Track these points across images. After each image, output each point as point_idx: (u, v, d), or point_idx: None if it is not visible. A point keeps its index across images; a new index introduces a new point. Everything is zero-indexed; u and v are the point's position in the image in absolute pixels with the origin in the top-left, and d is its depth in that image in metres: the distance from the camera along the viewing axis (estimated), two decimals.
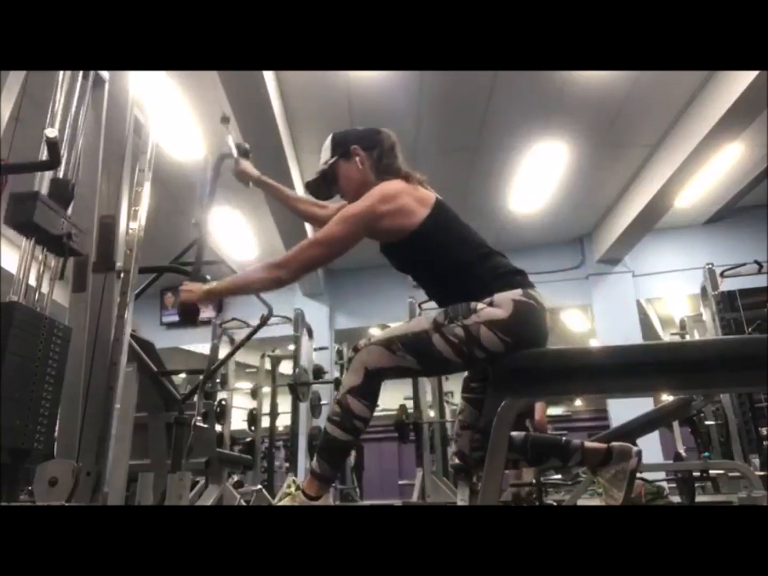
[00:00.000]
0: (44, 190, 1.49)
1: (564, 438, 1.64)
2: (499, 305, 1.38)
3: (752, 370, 1.20)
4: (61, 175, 1.53)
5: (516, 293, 1.40)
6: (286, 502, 1.63)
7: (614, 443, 1.58)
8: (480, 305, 1.39)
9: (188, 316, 1.55)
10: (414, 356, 1.39)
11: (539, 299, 1.43)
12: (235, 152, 1.93)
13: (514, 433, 1.61)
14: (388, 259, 1.60)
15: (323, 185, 1.70)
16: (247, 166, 1.93)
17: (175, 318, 7.47)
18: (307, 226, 5.61)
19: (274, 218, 5.29)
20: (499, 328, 1.35)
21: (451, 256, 1.48)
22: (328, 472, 1.42)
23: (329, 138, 1.68)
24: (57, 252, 1.46)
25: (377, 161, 1.60)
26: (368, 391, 1.40)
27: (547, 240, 6.72)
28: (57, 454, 1.44)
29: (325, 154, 1.66)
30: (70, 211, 1.52)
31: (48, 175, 1.52)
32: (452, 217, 1.54)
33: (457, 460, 1.66)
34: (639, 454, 1.54)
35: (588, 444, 1.62)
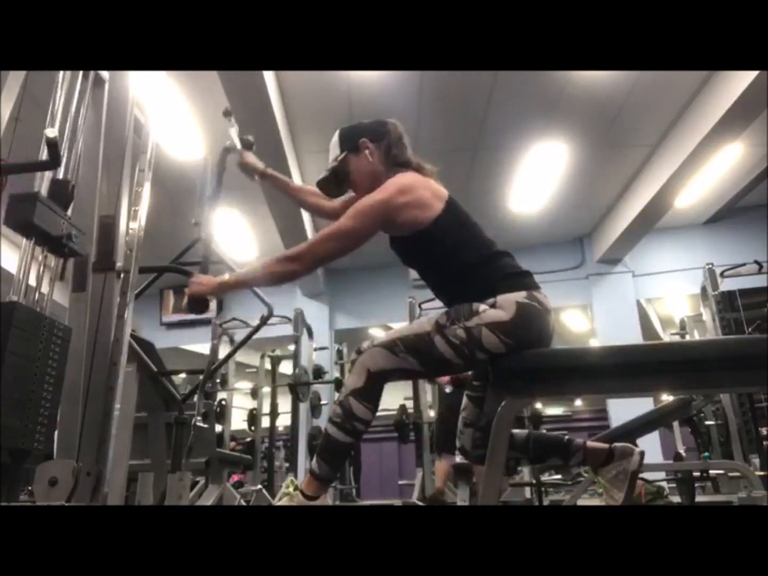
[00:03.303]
0: (44, 190, 1.48)
1: (566, 437, 1.64)
2: (502, 307, 1.37)
3: (752, 370, 1.20)
4: (61, 175, 1.53)
5: (520, 295, 1.39)
6: (284, 502, 1.63)
7: (616, 443, 1.58)
8: (483, 307, 1.38)
9: (198, 307, 1.54)
10: (415, 358, 1.39)
11: (544, 302, 1.42)
12: (239, 145, 1.93)
13: (515, 431, 1.61)
14: (396, 251, 1.57)
15: (334, 183, 1.67)
16: (252, 158, 1.93)
17: (174, 318, 7.48)
18: (307, 227, 5.62)
19: (274, 218, 5.29)
20: (501, 330, 1.34)
21: (460, 254, 1.46)
22: (327, 473, 1.41)
23: (336, 134, 1.66)
24: (57, 253, 1.45)
25: (386, 152, 1.59)
26: (370, 393, 1.39)
27: (547, 240, 6.72)
28: (57, 454, 1.44)
29: (334, 150, 1.64)
30: (70, 211, 1.52)
31: (48, 175, 1.52)
32: (464, 214, 1.52)
33: (458, 459, 1.67)
34: (641, 455, 1.54)
35: (590, 444, 1.62)
